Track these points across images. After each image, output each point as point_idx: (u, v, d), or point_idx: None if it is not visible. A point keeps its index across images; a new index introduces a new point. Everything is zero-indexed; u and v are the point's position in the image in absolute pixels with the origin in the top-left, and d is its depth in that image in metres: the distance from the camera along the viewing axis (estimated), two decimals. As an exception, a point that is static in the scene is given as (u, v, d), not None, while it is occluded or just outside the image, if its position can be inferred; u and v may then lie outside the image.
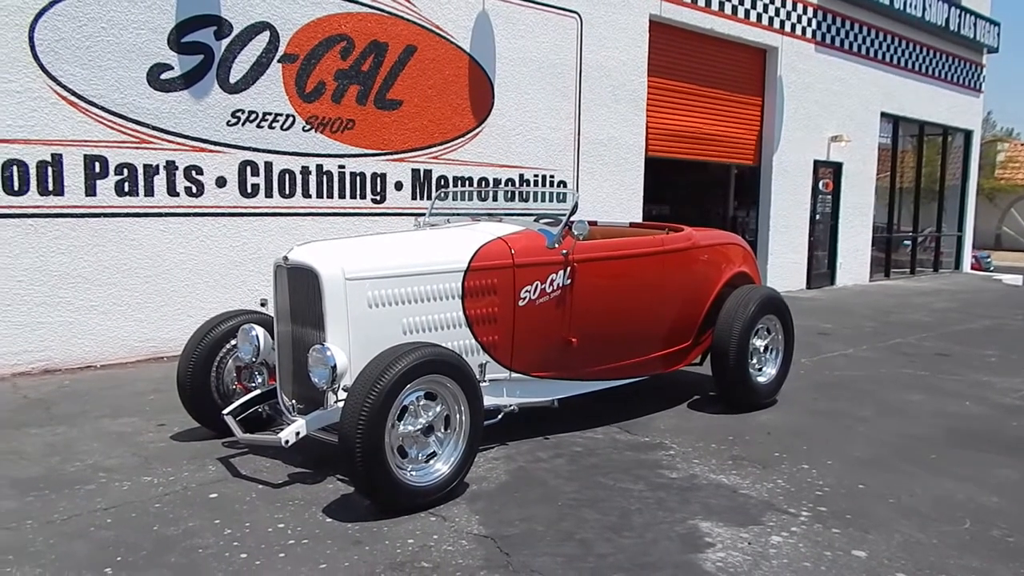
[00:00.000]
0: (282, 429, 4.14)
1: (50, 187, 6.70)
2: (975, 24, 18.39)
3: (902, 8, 15.90)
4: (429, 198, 9.02)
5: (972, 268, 21.00)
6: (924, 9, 16.50)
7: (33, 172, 6.61)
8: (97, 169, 6.91)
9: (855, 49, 15.41)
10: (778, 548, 3.61)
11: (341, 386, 4.07)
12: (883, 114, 16.55)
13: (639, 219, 11.29)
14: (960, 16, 17.76)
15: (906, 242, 18.75)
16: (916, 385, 7.02)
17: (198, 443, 4.88)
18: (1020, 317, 11.95)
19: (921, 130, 18.38)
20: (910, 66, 16.98)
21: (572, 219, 5.16)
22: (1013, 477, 4.69)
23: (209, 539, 3.57)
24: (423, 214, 6.27)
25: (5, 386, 6.33)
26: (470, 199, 9.53)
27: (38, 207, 6.66)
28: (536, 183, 10.26)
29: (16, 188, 6.54)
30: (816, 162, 14.92)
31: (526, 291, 4.92)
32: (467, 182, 9.49)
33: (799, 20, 14.07)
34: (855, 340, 9.34)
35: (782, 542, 3.68)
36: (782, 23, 13.74)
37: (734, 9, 12.81)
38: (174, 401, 5.03)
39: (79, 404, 5.81)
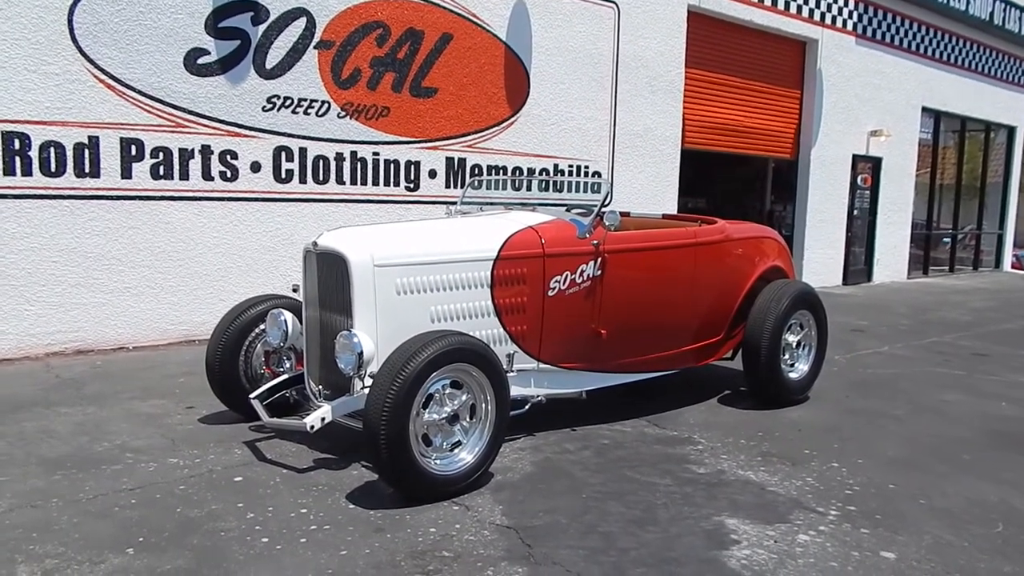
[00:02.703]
0: (308, 414, 4.14)
1: (86, 169, 6.77)
2: (1020, 18, 17.99)
3: (945, 1, 15.59)
4: (463, 186, 9.00)
5: (1013, 267, 20.63)
6: (968, 2, 16.18)
7: (70, 154, 6.68)
8: (133, 152, 6.97)
9: (897, 42, 15.15)
10: (805, 547, 3.55)
11: (367, 373, 4.06)
12: (924, 109, 16.27)
13: (674, 211, 11.19)
14: (1005, 10, 17.40)
15: (945, 239, 18.46)
16: (952, 385, 6.89)
17: (225, 426, 4.91)
18: (1062, 318, 11.70)
19: (963, 126, 18.09)
20: (953, 60, 16.67)
21: (604, 209, 5.11)
22: (1050, 481, 4.59)
23: (232, 522, 3.58)
24: (456, 202, 6.25)
25: (38, 365, 6.43)
26: (504, 188, 9.50)
27: (74, 189, 6.74)
28: (571, 173, 10.21)
29: (53, 169, 6.62)
30: (855, 156, 14.71)
31: (556, 281, 4.88)
32: (501, 171, 9.46)
33: (840, 12, 13.85)
34: (891, 338, 9.20)
35: (809, 541, 3.62)
36: (822, 15, 13.53)
37: (774, 0, 12.63)
38: (203, 384, 5.06)
39: (110, 385, 5.88)
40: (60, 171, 6.66)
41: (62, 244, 6.74)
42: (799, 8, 13.10)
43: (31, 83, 6.47)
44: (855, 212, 14.96)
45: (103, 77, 6.77)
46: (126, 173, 6.96)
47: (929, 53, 16.00)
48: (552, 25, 9.78)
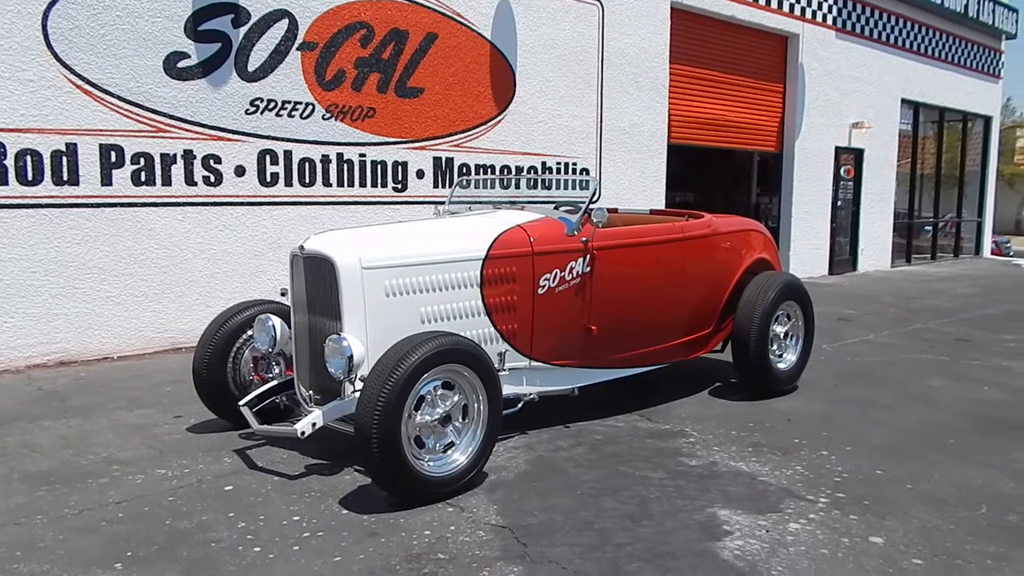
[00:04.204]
0: (299, 420, 4.11)
1: (65, 177, 6.69)
2: (994, 10, 18.29)
3: (921, -6, 15.80)
4: (450, 186, 8.97)
5: (992, 253, 20.88)
6: (943, -5, 16.40)
7: (48, 162, 6.60)
8: (113, 158, 6.90)
9: (875, 36, 15.28)
10: (796, 535, 3.57)
11: (358, 376, 4.03)
12: (903, 100, 16.44)
13: (662, 206, 11.22)
14: (979, 2, 17.68)
15: (927, 228, 18.62)
16: (937, 371, 6.94)
17: (214, 435, 4.86)
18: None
19: (941, 116, 18.29)
20: (930, 52, 16.85)
21: (592, 206, 5.10)
22: (1033, 463, 4.63)
23: (223, 532, 3.53)
24: (444, 202, 6.23)
25: (20, 378, 6.34)
26: (492, 187, 9.48)
27: (52, 197, 6.66)
28: (558, 171, 10.20)
29: (30, 178, 6.53)
30: (837, 148, 14.82)
31: (545, 279, 4.87)
32: (489, 170, 9.44)
33: (820, 7, 13.95)
34: (876, 326, 9.24)
35: (800, 529, 3.64)
36: (803, 10, 13.62)
37: (754, -5, 12.71)
38: (191, 392, 5.00)
39: (94, 396, 5.81)
40: (37, 179, 6.57)
41: (41, 254, 6.65)
42: (780, 3, 13.16)
43: (5, 90, 6.38)
44: (839, 203, 15.06)
45: (80, 83, 6.70)
46: (106, 180, 6.89)
47: (907, 46, 16.15)
48: (537, 23, 9.77)
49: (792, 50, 13.78)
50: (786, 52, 13.82)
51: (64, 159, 6.68)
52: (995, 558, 3.39)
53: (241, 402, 4.53)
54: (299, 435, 4.02)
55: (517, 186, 9.78)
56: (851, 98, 14.92)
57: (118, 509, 3.78)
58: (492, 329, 4.70)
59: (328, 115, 8.10)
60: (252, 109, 7.62)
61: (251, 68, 7.59)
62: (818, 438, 4.99)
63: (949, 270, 16.68)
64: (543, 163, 10.02)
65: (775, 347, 5.98)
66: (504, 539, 3.48)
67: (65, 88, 6.64)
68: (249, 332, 4.84)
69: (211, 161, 7.42)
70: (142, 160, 7.04)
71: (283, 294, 4.78)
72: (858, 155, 15.35)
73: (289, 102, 7.84)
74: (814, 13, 13.84)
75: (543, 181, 10.10)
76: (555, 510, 3.81)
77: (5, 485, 4.08)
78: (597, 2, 10.41)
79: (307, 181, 8.04)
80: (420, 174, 8.88)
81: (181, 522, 3.63)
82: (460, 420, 4.06)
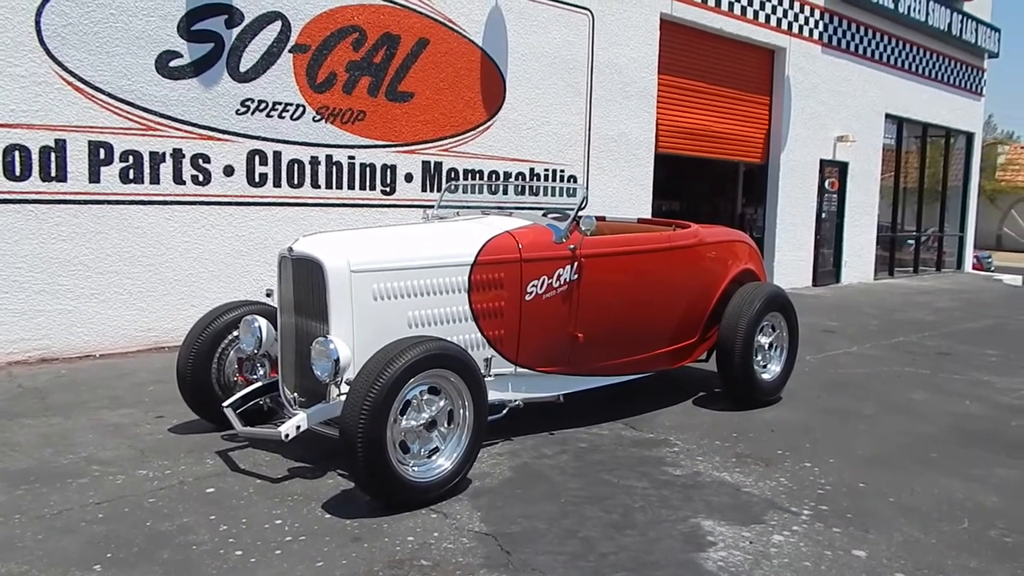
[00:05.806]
0: (283, 422, 4.09)
1: (53, 173, 6.65)
2: (976, 30, 18.51)
3: (906, 12, 15.97)
4: (439, 191, 8.97)
5: (974, 268, 21.08)
6: (927, 14, 16.61)
7: (36, 157, 6.55)
8: (101, 155, 6.86)
9: (860, 51, 15.43)
10: (779, 547, 3.58)
11: (344, 379, 4.02)
12: (887, 115, 16.58)
13: (648, 215, 11.27)
14: (962, 22, 17.90)
15: (909, 241, 18.78)
16: (919, 384, 6.99)
17: (197, 436, 4.83)
18: (1021, 317, 11.95)
19: (924, 132, 18.45)
20: (914, 69, 17.02)
21: (580, 214, 5.12)
22: (1012, 477, 4.68)
23: (204, 535, 3.51)
24: (433, 206, 6.23)
25: (0, 375, 6.28)
26: (480, 192, 9.47)
27: (39, 193, 6.61)
28: (547, 177, 10.22)
29: (18, 173, 6.49)
30: (822, 161, 14.92)
31: (533, 286, 4.88)
32: (477, 175, 9.45)
33: (806, 22, 14.07)
34: (859, 338, 9.30)
35: (783, 541, 3.65)
36: (790, 24, 13.73)
37: (743, 10, 12.79)
38: (174, 392, 4.97)
39: (76, 394, 5.76)
40: (25, 175, 6.52)
41: (26, 250, 6.60)
42: (767, 18, 13.27)
43: (-5, 85, 6.36)
44: (823, 215, 15.16)
45: (71, 79, 6.66)
46: (94, 177, 6.85)
47: (892, 62, 16.31)
48: (528, 31, 9.81)
49: (778, 63, 13.89)
50: (772, 65, 13.93)
51: (52, 155, 6.63)
52: (976, 573, 3.42)
53: (225, 403, 4.53)
54: (283, 438, 4.00)
55: (505, 192, 9.77)
56: (836, 112, 15.04)
57: (98, 510, 3.75)
58: (479, 335, 4.70)
59: (319, 117, 8.09)
60: (243, 109, 7.60)
61: (243, 69, 7.58)
62: (801, 449, 5.02)
63: (931, 284, 16.82)
64: (531, 169, 10.05)
65: (759, 357, 6.01)
66: (488, 546, 3.48)
67: (56, 84, 6.60)
68: (235, 333, 4.82)
69: (200, 160, 7.39)
70: (131, 158, 7.01)
71: (268, 295, 4.76)
72: (842, 168, 15.46)
73: (280, 103, 7.83)
74: (800, 28, 13.95)
75: (531, 187, 10.11)
76: (539, 518, 3.81)
77: (-16, 483, 4.04)
78: (588, 12, 10.45)
79: (296, 182, 8.02)
80: (408, 178, 8.88)
81: (162, 524, 3.61)
82: (445, 425, 4.07)
